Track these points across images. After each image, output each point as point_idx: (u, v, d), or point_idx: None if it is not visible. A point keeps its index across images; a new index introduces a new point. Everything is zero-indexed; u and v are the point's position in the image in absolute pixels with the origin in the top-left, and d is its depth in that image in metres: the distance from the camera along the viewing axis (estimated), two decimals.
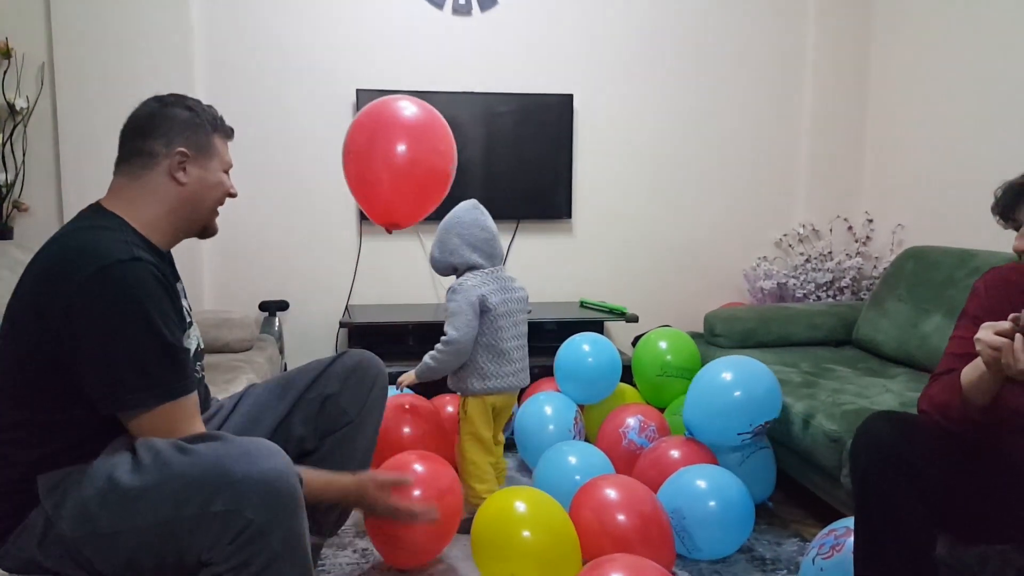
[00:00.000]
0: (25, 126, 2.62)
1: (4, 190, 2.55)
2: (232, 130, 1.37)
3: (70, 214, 2.62)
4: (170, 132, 1.24)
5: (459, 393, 1.99)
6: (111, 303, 1.07)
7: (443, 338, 1.90)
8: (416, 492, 1.62)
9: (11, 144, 2.59)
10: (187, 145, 1.25)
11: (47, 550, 1.08)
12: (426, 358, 1.93)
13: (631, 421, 2.16)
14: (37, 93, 2.63)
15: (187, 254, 2.70)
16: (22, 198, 2.63)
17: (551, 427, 2.21)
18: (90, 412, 1.10)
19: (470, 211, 1.97)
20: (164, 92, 1.32)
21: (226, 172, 1.34)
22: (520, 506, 1.55)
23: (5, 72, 2.57)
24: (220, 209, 1.35)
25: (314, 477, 1.24)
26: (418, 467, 1.68)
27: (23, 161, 2.63)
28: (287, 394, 1.45)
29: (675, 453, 1.93)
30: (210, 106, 1.33)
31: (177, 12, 2.69)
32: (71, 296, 1.06)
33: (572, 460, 1.92)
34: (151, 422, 1.10)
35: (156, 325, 1.09)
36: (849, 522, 1.55)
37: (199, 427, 1.16)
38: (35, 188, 2.66)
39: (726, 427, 1.89)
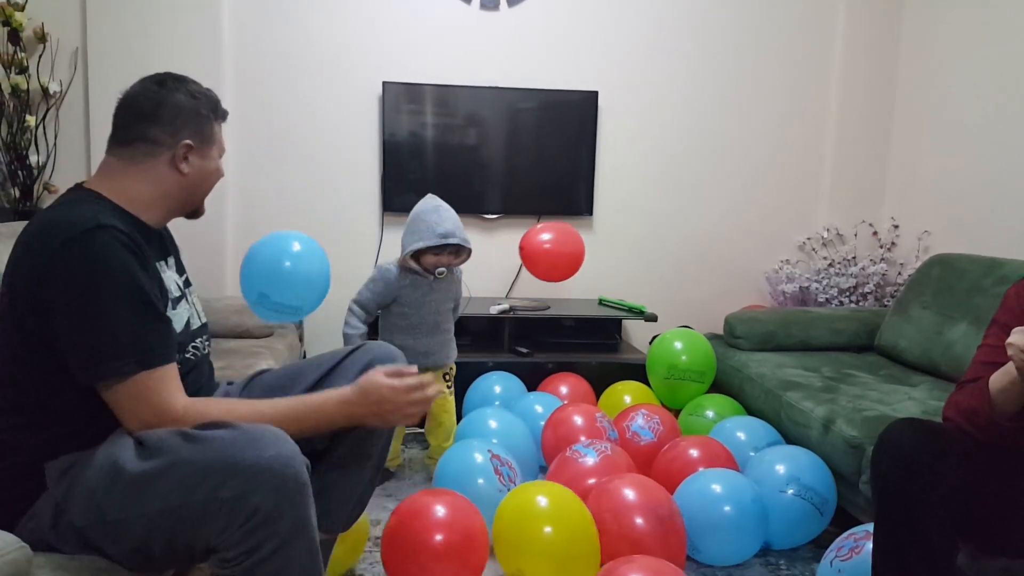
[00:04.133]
0: (58, 110, 2.66)
1: (36, 172, 2.60)
2: (227, 113, 1.34)
3: None
4: (176, 121, 1.22)
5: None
6: (79, 271, 1.05)
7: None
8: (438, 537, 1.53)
9: (44, 127, 2.64)
10: (192, 136, 1.23)
11: (60, 535, 1.09)
12: None
13: (635, 415, 2.18)
14: (70, 78, 2.68)
15: (210, 241, 2.73)
16: (52, 180, 2.68)
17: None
18: (87, 394, 1.10)
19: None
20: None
21: (220, 156, 1.32)
22: (542, 501, 1.56)
23: (40, 56, 2.61)
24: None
25: (302, 407, 1.20)
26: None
27: (55, 144, 2.67)
28: (295, 387, 1.38)
29: (694, 452, 1.91)
30: (208, 89, 1.29)
31: (208, 2, 2.71)
32: (42, 269, 1.06)
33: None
34: (127, 392, 1.08)
35: (126, 291, 1.08)
36: (869, 527, 1.54)
37: (178, 399, 1.12)
38: (65, 171, 2.70)
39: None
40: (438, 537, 1.51)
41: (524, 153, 3.01)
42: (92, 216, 1.08)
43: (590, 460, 1.84)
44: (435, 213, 2.05)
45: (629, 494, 1.64)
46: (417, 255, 2.06)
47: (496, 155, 2.99)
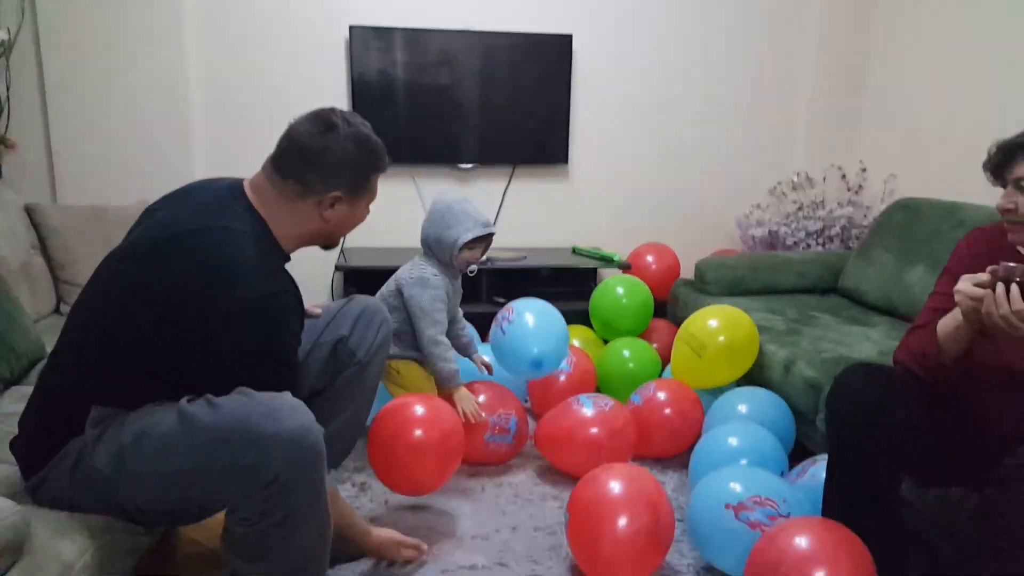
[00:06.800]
0: (7, 59, 2.55)
1: None
2: (389, 163, 1.34)
3: (59, 151, 2.64)
4: (332, 170, 1.23)
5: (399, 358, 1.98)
6: (262, 333, 1.14)
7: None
8: (417, 432, 1.66)
9: None
10: (345, 188, 1.25)
11: (76, 479, 1.15)
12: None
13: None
14: (18, 25, 2.55)
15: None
16: (9, 133, 2.59)
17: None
18: (170, 379, 1.15)
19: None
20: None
21: (369, 203, 1.35)
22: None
23: None
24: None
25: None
26: (419, 408, 1.70)
27: (7, 97, 2.57)
28: (306, 338, 1.48)
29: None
30: (377, 140, 1.30)
31: None
32: (221, 314, 1.11)
33: None
34: None
35: (292, 354, 1.20)
36: (818, 457, 1.66)
37: None
38: (21, 124, 2.61)
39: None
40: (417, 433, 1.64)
41: (498, 100, 2.97)
42: (277, 277, 1.18)
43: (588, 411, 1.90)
44: (468, 203, 1.96)
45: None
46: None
47: (469, 102, 2.95)
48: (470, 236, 1.92)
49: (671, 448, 2.05)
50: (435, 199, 2.00)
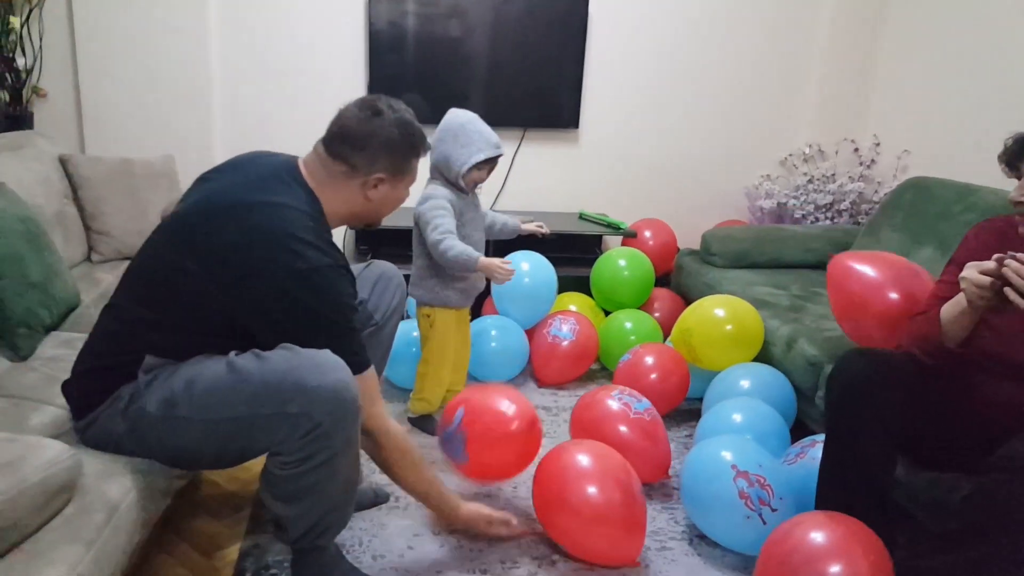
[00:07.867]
0: (40, 10, 2.57)
1: (24, 76, 2.55)
2: (429, 147, 1.42)
3: (88, 100, 2.69)
4: (376, 153, 1.32)
5: (431, 304, 1.98)
6: (319, 302, 1.23)
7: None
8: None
9: (28, 29, 2.56)
10: (387, 169, 1.34)
11: (125, 422, 1.25)
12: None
13: (553, 320, 2.41)
14: None
15: (196, 151, 2.72)
16: (40, 83, 2.64)
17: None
18: (223, 336, 1.25)
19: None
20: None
21: (409, 186, 1.43)
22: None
23: None
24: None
25: (439, 494, 1.47)
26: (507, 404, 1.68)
27: (40, 46, 2.60)
28: None
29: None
30: (418, 125, 1.37)
31: None
32: (280, 282, 1.20)
33: None
34: None
35: (351, 323, 1.28)
36: (816, 438, 1.71)
37: (380, 400, 1.34)
38: (52, 73, 2.66)
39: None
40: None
41: (509, 62, 2.95)
42: (334, 253, 1.26)
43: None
44: (480, 123, 1.91)
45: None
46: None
47: (479, 62, 2.93)
48: (481, 157, 1.87)
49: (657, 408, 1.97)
50: (447, 117, 1.92)
